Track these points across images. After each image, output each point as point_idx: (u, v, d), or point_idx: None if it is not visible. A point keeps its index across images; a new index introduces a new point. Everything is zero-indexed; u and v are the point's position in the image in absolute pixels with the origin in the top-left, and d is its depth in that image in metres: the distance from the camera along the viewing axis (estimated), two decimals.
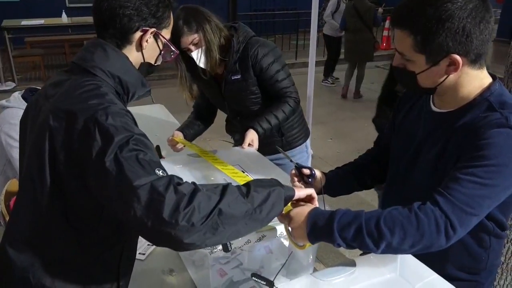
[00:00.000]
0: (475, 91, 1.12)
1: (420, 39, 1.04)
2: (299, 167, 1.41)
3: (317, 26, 3.42)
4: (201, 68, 1.88)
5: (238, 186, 0.98)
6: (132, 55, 1.13)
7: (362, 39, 6.38)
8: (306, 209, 1.09)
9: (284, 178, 1.65)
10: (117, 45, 1.11)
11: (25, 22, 7.36)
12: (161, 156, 2.02)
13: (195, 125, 2.17)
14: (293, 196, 1.07)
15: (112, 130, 0.93)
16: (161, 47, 1.18)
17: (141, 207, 0.86)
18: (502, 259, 1.93)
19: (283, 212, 1.08)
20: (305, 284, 1.07)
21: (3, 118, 1.97)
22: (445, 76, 1.09)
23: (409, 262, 1.11)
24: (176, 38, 1.78)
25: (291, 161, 1.44)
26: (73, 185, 0.99)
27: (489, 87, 1.12)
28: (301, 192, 1.10)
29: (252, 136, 1.90)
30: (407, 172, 1.27)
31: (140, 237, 1.24)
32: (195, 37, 1.79)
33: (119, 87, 1.10)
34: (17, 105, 1.96)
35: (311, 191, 1.14)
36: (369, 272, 1.09)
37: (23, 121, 1.16)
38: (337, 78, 7.37)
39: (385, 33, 9.07)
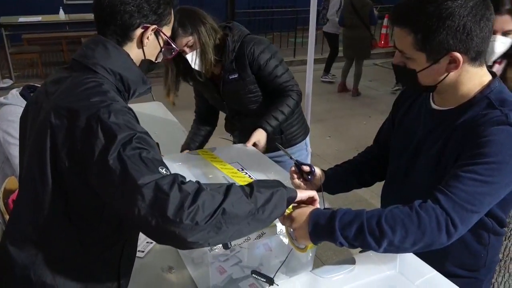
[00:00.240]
0: (475, 88, 1.12)
1: (421, 37, 1.04)
2: (298, 164, 1.42)
3: (316, 24, 3.41)
4: (196, 70, 1.87)
5: (242, 186, 0.98)
6: (133, 52, 1.13)
7: (358, 35, 6.38)
8: (307, 209, 1.09)
9: (283, 175, 1.66)
10: (118, 42, 1.11)
11: (22, 19, 7.32)
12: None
13: (199, 136, 2.16)
14: (296, 197, 1.07)
15: (115, 128, 0.92)
16: (161, 44, 1.17)
17: (146, 205, 0.87)
18: (500, 256, 1.93)
19: (284, 214, 1.09)
20: (305, 281, 1.07)
21: (1, 115, 1.96)
22: (445, 74, 1.09)
23: (408, 259, 1.12)
24: (172, 40, 1.78)
25: (291, 158, 1.44)
26: (74, 183, 0.99)
27: (488, 85, 1.12)
28: (303, 193, 1.11)
29: (259, 136, 1.90)
30: (407, 170, 1.27)
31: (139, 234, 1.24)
32: (189, 39, 1.79)
33: (120, 84, 1.09)
34: (15, 102, 1.94)
35: (313, 193, 1.14)
36: (369, 269, 1.09)
37: (23, 119, 1.15)
38: (334, 75, 7.38)
39: (384, 30, 9.07)
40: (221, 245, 1.12)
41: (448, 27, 1.02)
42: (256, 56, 1.90)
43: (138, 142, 0.93)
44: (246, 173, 1.69)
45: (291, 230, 1.11)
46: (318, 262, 1.35)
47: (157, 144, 1.98)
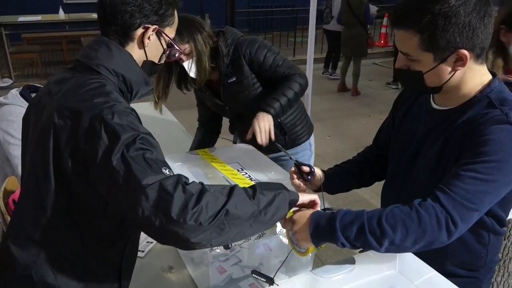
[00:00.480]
0: (476, 88, 1.13)
1: (427, 37, 1.04)
2: (298, 165, 1.42)
3: (316, 23, 3.41)
4: (192, 78, 1.87)
5: (244, 188, 0.99)
6: (135, 52, 1.13)
7: (355, 34, 6.39)
8: (308, 212, 1.09)
9: (283, 175, 1.66)
10: (119, 42, 1.11)
11: (22, 19, 7.32)
12: None
13: (203, 143, 2.15)
14: (297, 200, 1.08)
15: (118, 129, 0.93)
16: (164, 46, 1.17)
17: (149, 206, 0.87)
18: (500, 256, 1.94)
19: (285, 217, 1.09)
20: (305, 281, 1.08)
21: (0, 115, 1.96)
22: (452, 73, 1.09)
23: (408, 259, 1.12)
24: None
25: (290, 158, 1.44)
26: (77, 182, 0.99)
27: (489, 84, 1.13)
28: (304, 197, 1.11)
29: (261, 123, 1.80)
30: (408, 170, 1.27)
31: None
32: (186, 47, 1.79)
33: (123, 85, 1.10)
34: (15, 102, 1.95)
35: (314, 196, 1.14)
36: (368, 269, 1.09)
37: (26, 119, 1.15)
38: (336, 73, 7.42)
39: (383, 30, 9.07)
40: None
41: (455, 24, 1.02)
42: (254, 54, 1.89)
43: (141, 143, 0.94)
44: (246, 173, 1.69)
45: (292, 233, 1.12)
46: (318, 262, 1.35)
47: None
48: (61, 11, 7.75)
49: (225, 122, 2.29)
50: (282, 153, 1.48)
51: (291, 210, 1.10)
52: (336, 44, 7.03)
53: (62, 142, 0.98)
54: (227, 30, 1.95)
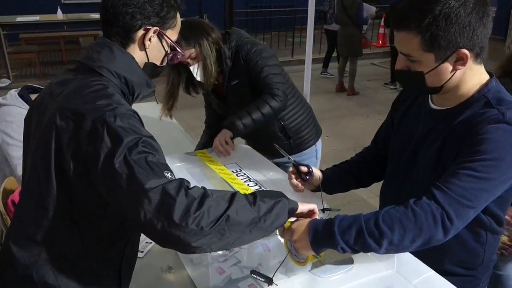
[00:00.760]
0: (474, 88, 1.14)
1: (429, 37, 1.05)
2: (296, 165, 1.42)
3: (314, 23, 3.41)
4: (198, 82, 1.90)
5: (245, 195, 1.00)
6: (136, 54, 1.14)
7: (349, 34, 6.42)
8: (306, 221, 1.10)
9: (281, 175, 1.66)
10: (121, 43, 1.11)
11: (20, 19, 7.31)
12: None
13: (209, 146, 2.14)
14: (296, 209, 1.09)
15: (121, 132, 0.93)
16: (166, 48, 1.18)
17: (152, 209, 0.88)
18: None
19: (284, 226, 1.10)
20: (303, 281, 1.08)
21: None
22: (453, 73, 1.10)
23: (406, 258, 1.12)
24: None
25: (288, 158, 1.45)
26: (78, 183, 1.00)
27: (486, 84, 1.14)
28: (303, 206, 1.12)
29: (216, 140, 1.84)
30: (407, 170, 1.28)
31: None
32: (192, 51, 1.81)
33: (125, 87, 1.10)
34: (13, 103, 1.94)
35: (313, 206, 1.15)
36: (367, 268, 1.10)
37: (28, 119, 1.16)
38: (332, 75, 7.43)
39: (381, 30, 9.08)
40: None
41: (456, 24, 1.04)
42: (249, 56, 1.89)
43: (144, 146, 0.94)
44: (244, 174, 1.69)
45: (291, 244, 1.12)
46: (317, 262, 1.36)
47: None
48: (59, 11, 7.74)
49: None
50: (286, 158, 1.48)
51: (290, 220, 1.11)
52: (334, 43, 7.06)
53: (64, 144, 0.98)
54: (233, 32, 1.96)
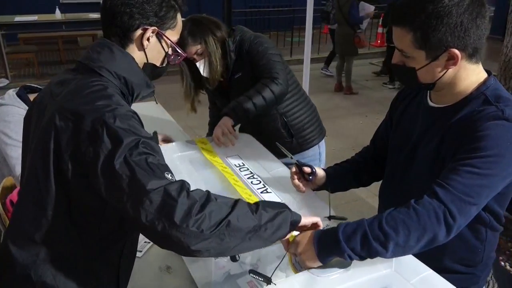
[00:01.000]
0: (472, 85, 1.15)
1: (420, 35, 1.07)
2: (300, 165, 1.43)
3: (313, 23, 3.42)
4: (205, 78, 1.91)
5: (248, 203, 1.01)
6: (136, 54, 1.13)
7: (342, 32, 6.46)
8: (309, 232, 1.11)
9: (285, 172, 1.64)
10: (120, 43, 1.11)
11: (18, 18, 7.31)
12: (157, 143, 2.01)
13: None
14: (299, 221, 1.09)
15: (121, 133, 0.93)
16: (166, 49, 1.17)
17: (153, 210, 0.88)
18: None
19: (288, 239, 1.11)
20: (302, 280, 1.08)
21: None
22: (444, 71, 1.11)
23: (404, 258, 1.12)
24: (182, 48, 1.82)
25: (291, 158, 1.45)
26: (76, 184, 1.00)
27: (485, 82, 1.15)
28: (307, 219, 1.12)
29: (215, 130, 1.81)
30: (405, 168, 1.28)
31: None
32: (198, 47, 1.85)
33: (124, 88, 1.10)
34: (11, 103, 1.94)
35: (316, 219, 1.15)
36: (365, 268, 1.10)
37: (27, 119, 1.16)
38: (331, 72, 7.45)
39: (380, 30, 9.09)
40: (229, 256, 1.13)
41: (447, 24, 1.05)
42: (251, 46, 1.90)
43: (144, 147, 0.95)
44: (248, 169, 1.66)
45: (295, 259, 1.13)
46: None
47: (156, 132, 1.98)
48: (57, 11, 7.74)
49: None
50: (288, 158, 1.47)
51: (293, 234, 1.12)
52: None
53: (62, 144, 0.98)
54: (237, 28, 1.98)
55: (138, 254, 1.48)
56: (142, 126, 1.03)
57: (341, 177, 1.48)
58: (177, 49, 1.20)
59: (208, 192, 0.97)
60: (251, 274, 1.11)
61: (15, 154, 1.81)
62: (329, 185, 1.45)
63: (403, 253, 1.06)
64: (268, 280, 1.07)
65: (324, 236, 1.08)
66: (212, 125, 2.22)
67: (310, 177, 1.42)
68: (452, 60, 1.09)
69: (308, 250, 1.08)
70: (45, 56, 8.45)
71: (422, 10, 1.05)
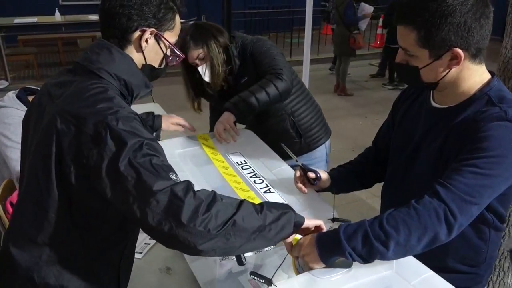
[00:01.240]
0: (475, 86, 1.15)
1: (424, 33, 1.07)
2: (304, 169, 1.43)
3: (312, 24, 3.42)
4: (206, 82, 1.92)
5: (253, 203, 1.02)
6: (134, 56, 1.13)
7: (339, 33, 6.48)
8: (312, 236, 1.12)
9: (287, 172, 1.64)
10: (118, 45, 1.11)
11: (17, 20, 7.30)
12: (158, 139, 2.02)
13: None
14: (302, 223, 1.09)
15: (124, 135, 0.94)
16: (164, 50, 1.17)
17: (160, 210, 0.89)
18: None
19: (291, 242, 1.12)
20: (303, 282, 1.08)
21: None
22: (447, 70, 1.12)
23: (404, 259, 1.12)
24: (184, 52, 1.83)
25: (296, 161, 1.45)
26: (78, 186, 1.00)
27: (488, 83, 1.15)
28: (310, 222, 1.12)
29: (216, 126, 1.80)
30: (408, 168, 1.29)
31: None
32: (200, 52, 1.86)
33: (124, 89, 1.10)
34: (11, 104, 1.94)
35: (319, 222, 1.15)
36: (366, 269, 1.10)
37: (26, 120, 1.16)
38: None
39: (379, 31, 9.10)
40: (235, 259, 1.14)
41: (450, 23, 1.05)
42: (255, 48, 1.91)
43: (148, 148, 0.95)
44: (250, 167, 1.65)
45: (299, 264, 1.13)
46: None
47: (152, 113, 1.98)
48: (57, 12, 7.74)
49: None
50: (293, 161, 1.48)
51: (297, 237, 1.13)
52: None
53: (64, 147, 0.98)
54: (237, 34, 2.00)
55: (139, 256, 1.48)
56: (145, 127, 1.03)
57: (345, 179, 1.49)
58: (175, 50, 1.20)
59: (214, 192, 0.98)
60: (252, 276, 1.11)
61: (15, 156, 1.81)
62: (334, 187, 1.45)
63: (405, 253, 1.06)
64: (269, 282, 1.07)
65: (325, 237, 1.09)
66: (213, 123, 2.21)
67: (315, 182, 1.42)
68: (455, 59, 1.09)
69: (310, 252, 1.09)
70: (45, 58, 8.45)
71: (426, 9, 1.06)
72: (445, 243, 1.05)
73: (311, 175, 1.42)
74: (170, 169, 0.96)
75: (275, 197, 1.46)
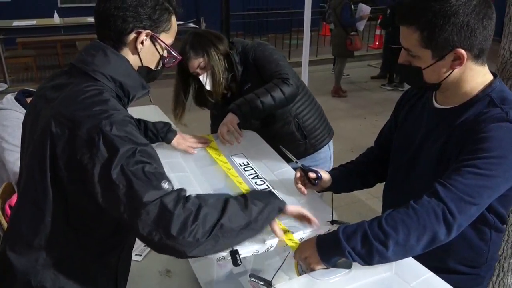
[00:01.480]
0: (478, 87, 1.15)
1: (427, 34, 1.08)
2: (305, 170, 1.43)
3: (311, 25, 3.43)
4: (208, 91, 1.90)
5: (237, 198, 1.02)
6: (129, 57, 1.12)
7: (336, 34, 6.49)
8: (313, 237, 1.13)
9: (289, 174, 1.63)
10: (113, 47, 1.10)
11: (16, 23, 7.30)
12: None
13: None
14: (284, 207, 1.12)
15: (117, 141, 0.93)
16: (160, 52, 1.16)
17: (150, 221, 0.90)
18: None
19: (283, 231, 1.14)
20: (303, 284, 1.08)
21: None
22: (450, 71, 1.12)
23: (404, 260, 1.12)
24: (184, 62, 1.84)
25: (296, 162, 1.45)
26: (73, 190, 1.00)
27: (490, 84, 1.15)
28: (293, 208, 1.15)
29: (220, 129, 1.78)
30: (408, 168, 1.29)
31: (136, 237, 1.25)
32: (200, 61, 1.84)
33: (120, 91, 1.09)
34: (10, 107, 1.94)
35: (303, 210, 1.18)
36: (365, 271, 1.10)
37: (24, 123, 1.15)
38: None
39: (378, 32, 9.11)
40: (231, 261, 1.14)
41: (453, 24, 1.05)
42: (258, 53, 1.90)
43: (141, 155, 0.95)
44: (252, 169, 1.64)
45: (301, 266, 1.14)
46: None
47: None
48: (56, 15, 7.73)
49: None
50: (294, 163, 1.47)
51: (297, 241, 1.14)
52: None
53: (59, 151, 0.98)
54: (235, 41, 1.99)
55: (138, 258, 1.48)
56: (140, 130, 1.02)
57: (346, 179, 1.49)
58: (172, 52, 1.19)
59: (198, 197, 0.98)
60: (251, 278, 1.11)
61: (12, 158, 1.81)
62: (335, 187, 1.45)
63: (405, 253, 1.06)
64: (269, 284, 1.07)
65: (325, 238, 1.10)
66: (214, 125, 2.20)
67: (316, 182, 1.43)
68: (458, 60, 1.09)
69: (311, 254, 1.10)
70: (44, 60, 8.44)
71: (429, 9, 1.06)
72: (446, 244, 1.05)
73: (312, 175, 1.42)
74: (163, 176, 0.96)
75: None
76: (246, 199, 1.03)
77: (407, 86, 1.44)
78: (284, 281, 1.16)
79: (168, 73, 2.20)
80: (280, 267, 1.14)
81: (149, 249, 1.54)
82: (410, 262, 1.12)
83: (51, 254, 1.05)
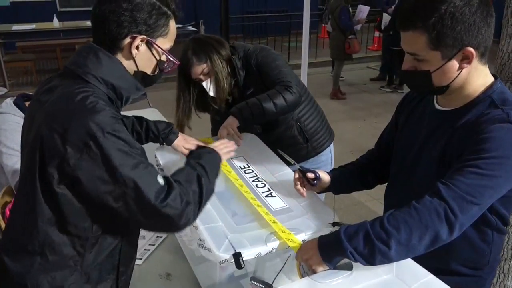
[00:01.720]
0: (479, 88, 1.16)
1: (435, 35, 1.07)
2: (303, 171, 1.43)
3: (310, 28, 3.43)
4: (211, 97, 1.90)
5: (196, 170, 1.14)
6: (124, 63, 1.11)
7: (334, 37, 6.50)
8: (315, 239, 1.13)
9: (289, 173, 1.63)
10: (109, 51, 1.09)
11: (16, 27, 7.31)
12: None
13: None
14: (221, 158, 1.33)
15: (107, 143, 0.95)
16: (157, 57, 1.15)
17: (151, 219, 0.98)
18: None
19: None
20: (303, 286, 1.08)
21: None
22: (459, 71, 1.12)
23: (405, 263, 1.12)
24: (186, 69, 1.84)
25: (294, 164, 1.45)
26: (63, 193, 0.99)
27: (491, 86, 1.16)
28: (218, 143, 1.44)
29: (220, 131, 1.79)
30: (410, 170, 1.29)
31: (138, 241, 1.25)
32: (204, 67, 1.83)
33: (112, 93, 1.08)
34: (8, 111, 1.93)
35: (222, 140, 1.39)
36: (366, 273, 1.10)
37: (22, 128, 1.15)
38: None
39: (377, 34, 9.12)
40: (234, 262, 1.14)
41: (462, 23, 1.05)
42: (259, 59, 1.89)
43: (133, 157, 0.97)
44: (252, 171, 1.65)
45: (303, 268, 1.14)
46: None
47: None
48: (55, 19, 7.74)
49: None
50: (294, 166, 1.48)
51: (299, 242, 1.15)
52: None
53: (48, 155, 0.97)
54: (236, 45, 1.97)
55: (138, 262, 1.48)
56: (127, 128, 1.05)
57: (346, 179, 1.49)
58: (169, 57, 1.17)
59: (179, 182, 1.06)
60: (252, 281, 1.11)
61: (10, 162, 1.80)
62: (335, 187, 1.45)
63: (408, 253, 1.05)
64: (269, 287, 1.06)
65: (326, 239, 1.10)
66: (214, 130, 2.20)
67: (315, 182, 1.42)
68: (467, 59, 1.09)
69: (313, 255, 1.10)
70: (43, 64, 8.45)
71: (435, 10, 1.06)
72: (448, 245, 1.05)
73: (310, 175, 1.42)
74: (155, 173, 1.02)
75: (276, 201, 1.46)
76: (203, 166, 1.17)
77: (406, 88, 1.44)
78: (285, 283, 1.15)
79: (167, 76, 2.20)
80: (282, 269, 1.14)
81: (149, 252, 1.54)
82: (410, 265, 1.12)
83: (46, 258, 1.05)
